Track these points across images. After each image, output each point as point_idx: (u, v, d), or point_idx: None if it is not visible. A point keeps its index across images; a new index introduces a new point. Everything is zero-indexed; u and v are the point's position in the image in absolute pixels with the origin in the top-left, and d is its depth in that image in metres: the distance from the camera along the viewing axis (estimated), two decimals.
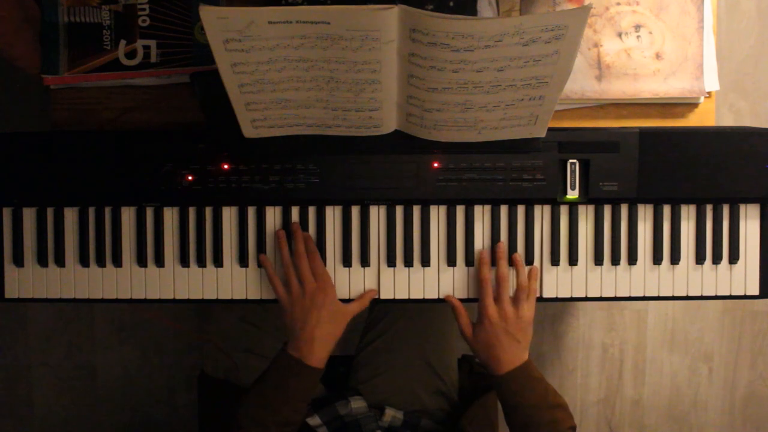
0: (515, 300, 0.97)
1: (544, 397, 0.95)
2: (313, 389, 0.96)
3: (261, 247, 1.00)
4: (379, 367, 1.16)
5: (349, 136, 0.94)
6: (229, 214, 1.01)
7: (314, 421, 1.06)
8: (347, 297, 1.02)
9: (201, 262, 1.01)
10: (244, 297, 1.01)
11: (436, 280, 1.01)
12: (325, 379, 1.19)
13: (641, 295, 1.02)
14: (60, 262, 1.02)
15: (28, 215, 1.02)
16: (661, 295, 1.02)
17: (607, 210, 1.01)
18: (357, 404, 1.08)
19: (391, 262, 1.01)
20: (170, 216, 1.02)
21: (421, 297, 1.02)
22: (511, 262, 0.99)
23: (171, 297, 1.02)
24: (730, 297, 1.02)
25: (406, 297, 1.02)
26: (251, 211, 1.01)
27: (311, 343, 0.94)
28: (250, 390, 0.96)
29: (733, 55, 1.82)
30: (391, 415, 1.09)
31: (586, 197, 0.99)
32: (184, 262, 1.01)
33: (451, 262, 1.01)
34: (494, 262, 0.99)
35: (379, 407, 1.10)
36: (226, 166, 0.98)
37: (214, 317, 1.18)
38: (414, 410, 1.11)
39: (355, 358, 1.22)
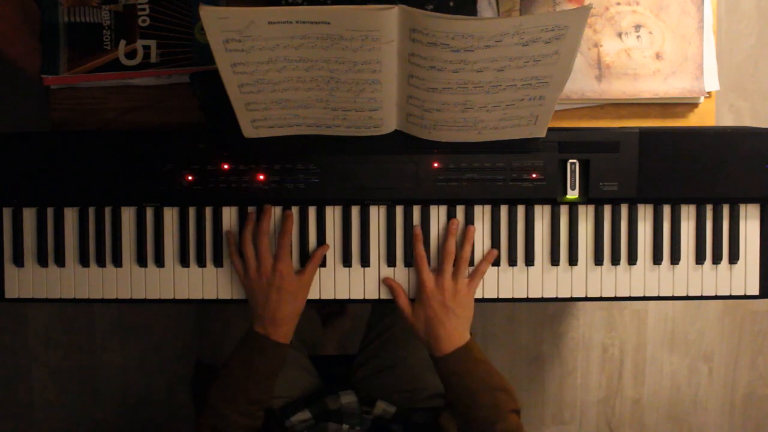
0: (455, 273, 0.96)
1: (486, 380, 0.93)
2: (280, 366, 0.96)
3: None
4: (379, 367, 1.16)
5: (349, 136, 0.94)
6: (229, 214, 1.01)
7: (304, 415, 1.06)
8: (347, 297, 1.02)
9: (201, 262, 1.01)
10: (244, 297, 1.01)
11: None
12: (325, 378, 1.19)
13: (641, 295, 1.02)
14: (60, 262, 1.02)
15: (28, 215, 1.02)
16: (661, 295, 1.02)
17: (607, 210, 1.01)
18: (347, 399, 1.08)
19: (391, 262, 1.01)
20: (170, 216, 1.02)
21: None
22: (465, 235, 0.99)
23: (171, 297, 1.02)
24: (730, 297, 1.02)
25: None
26: (251, 211, 1.01)
27: (274, 322, 0.95)
28: (221, 369, 0.96)
29: (733, 55, 1.82)
30: (381, 407, 1.09)
31: (586, 197, 0.99)
32: (184, 262, 1.01)
33: None
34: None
35: (371, 401, 1.10)
36: (226, 166, 0.97)
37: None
38: (408, 407, 1.11)
39: (357, 357, 1.22)
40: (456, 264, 0.97)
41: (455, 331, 0.94)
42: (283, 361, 0.97)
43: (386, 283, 1.00)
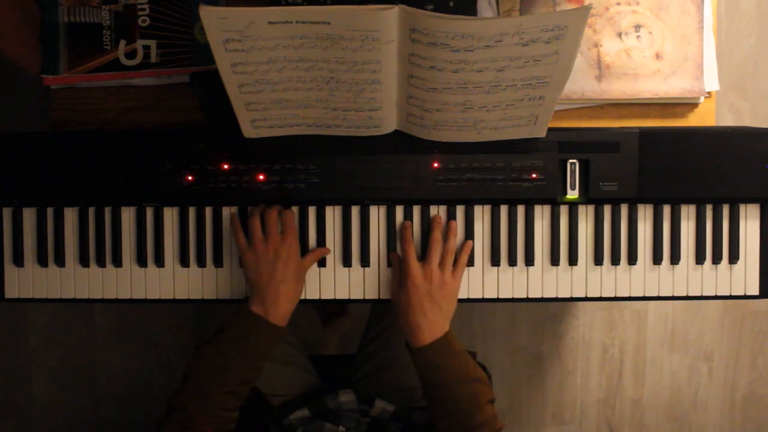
0: (441, 264, 0.96)
1: (464, 371, 0.92)
2: (273, 349, 0.94)
3: None
4: (378, 366, 1.16)
5: (349, 136, 0.94)
6: (229, 214, 1.01)
7: (302, 413, 1.06)
8: (347, 297, 1.02)
9: (201, 263, 1.01)
10: (244, 297, 1.01)
11: None
12: (324, 378, 1.19)
13: (641, 295, 1.02)
14: (60, 262, 1.02)
15: (28, 215, 1.02)
16: (661, 295, 1.02)
17: (607, 210, 1.01)
18: (346, 398, 1.07)
19: (390, 262, 1.01)
20: (170, 216, 1.02)
21: None
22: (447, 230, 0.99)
23: (171, 297, 1.02)
24: (730, 297, 1.02)
25: None
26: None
27: (276, 301, 0.93)
28: (204, 348, 0.93)
29: (733, 55, 1.82)
30: (380, 407, 1.08)
31: (586, 197, 0.99)
32: (184, 262, 1.01)
33: None
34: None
35: (370, 400, 1.10)
36: (226, 166, 0.98)
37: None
38: (408, 406, 1.11)
39: (356, 356, 1.22)
40: (442, 255, 0.97)
41: (435, 323, 0.93)
42: (276, 345, 0.95)
43: (392, 257, 1.00)
